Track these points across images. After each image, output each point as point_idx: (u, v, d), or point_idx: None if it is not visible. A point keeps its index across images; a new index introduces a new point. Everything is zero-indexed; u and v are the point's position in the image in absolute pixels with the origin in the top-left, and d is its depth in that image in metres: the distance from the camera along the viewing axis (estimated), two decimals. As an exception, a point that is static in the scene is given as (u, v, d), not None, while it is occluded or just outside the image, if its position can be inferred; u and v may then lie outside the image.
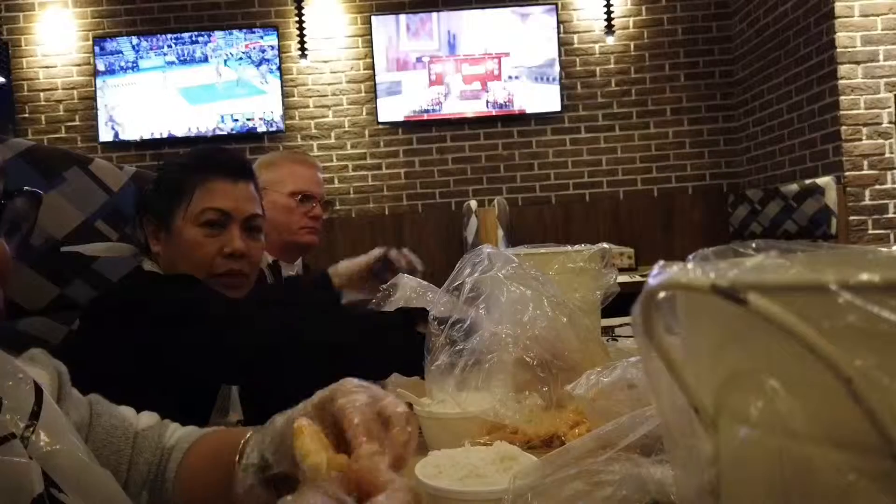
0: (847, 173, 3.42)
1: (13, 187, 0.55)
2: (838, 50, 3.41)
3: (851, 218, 3.41)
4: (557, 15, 4.45)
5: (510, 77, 4.45)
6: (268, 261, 1.85)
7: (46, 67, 4.53)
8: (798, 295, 0.30)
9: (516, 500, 0.61)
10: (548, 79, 4.45)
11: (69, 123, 4.55)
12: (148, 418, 0.83)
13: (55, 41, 4.52)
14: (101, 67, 4.46)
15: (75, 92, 4.55)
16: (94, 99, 4.48)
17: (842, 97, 3.42)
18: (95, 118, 4.48)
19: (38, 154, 1.22)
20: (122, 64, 4.47)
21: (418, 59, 4.46)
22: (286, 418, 0.65)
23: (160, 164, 1.34)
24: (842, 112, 3.42)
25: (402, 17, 4.44)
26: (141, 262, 1.25)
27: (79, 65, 4.54)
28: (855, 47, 3.41)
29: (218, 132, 4.49)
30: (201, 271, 1.20)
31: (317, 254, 2.01)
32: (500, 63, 4.45)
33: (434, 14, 4.44)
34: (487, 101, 4.47)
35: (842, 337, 0.27)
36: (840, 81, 3.42)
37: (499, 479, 0.66)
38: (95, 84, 4.47)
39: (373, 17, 4.46)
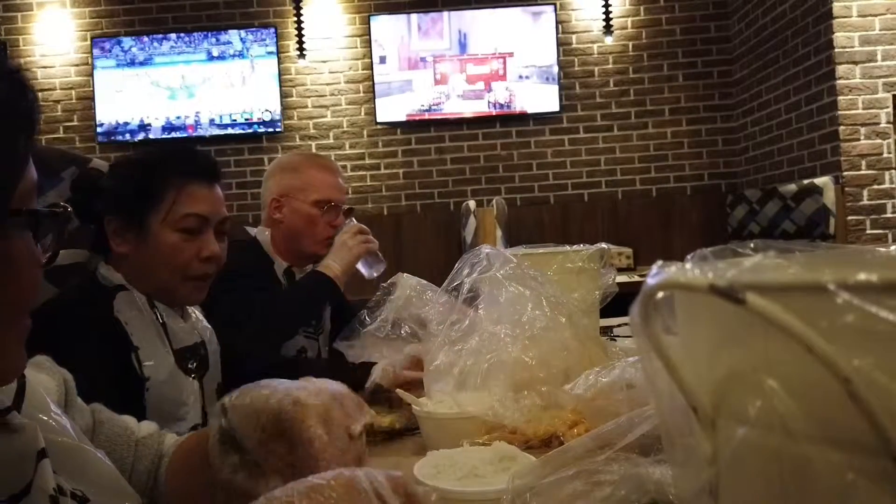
0: (845, 173, 3.42)
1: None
2: (836, 50, 3.42)
3: (849, 218, 3.42)
4: (556, 15, 4.45)
5: (521, 77, 4.44)
6: (283, 267, 1.81)
7: (44, 67, 4.53)
8: (796, 295, 0.30)
9: (515, 500, 0.61)
10: (546, 79, 4.46)
11: (67, 123, 4.54)
12: (148, 427, 0.84)
13: (53, 41, 4.52)
14: (98, 67, 4.46)
15: (73, 92, 4.54)
16: (93, 99, 4.48)
17: (840, 97, 3.42)
18: (93, 118, 4.48)
19: (36, 154, 1.22)
20: (120, 64, 4.47)
21: (422, 59, 4.45)
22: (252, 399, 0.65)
23: (119, 160, 1.30)
24: (840, 112, 3.42)
25: (414, 16, 4.44)
26: (97, 267, 1.20)
27: (77, 65, 4.54)
28: (853, 47, 3.41)
29: (216, 132, 4.49)
30: (176, 274, 1.19)
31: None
32: (505, 63, 4.45)
33: (445, 13, 4.44)
34: (489, 102, 4.47)
35: (840, 336, 0.27)
36: (838, 82, 3.42)
37: (497, 479, 0.66)
38: (94, 84, 4.47)
39: (382, 17, 4.45)
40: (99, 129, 4.46)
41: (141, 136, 4.46)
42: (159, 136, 4.45)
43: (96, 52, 4.45)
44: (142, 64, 4.47)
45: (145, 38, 4.46)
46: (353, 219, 1.88)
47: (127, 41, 4.46)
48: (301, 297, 1.71)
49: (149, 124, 4.48)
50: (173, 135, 4.47)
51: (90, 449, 0.66)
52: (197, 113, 4.49)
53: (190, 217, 1.19)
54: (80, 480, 0.62)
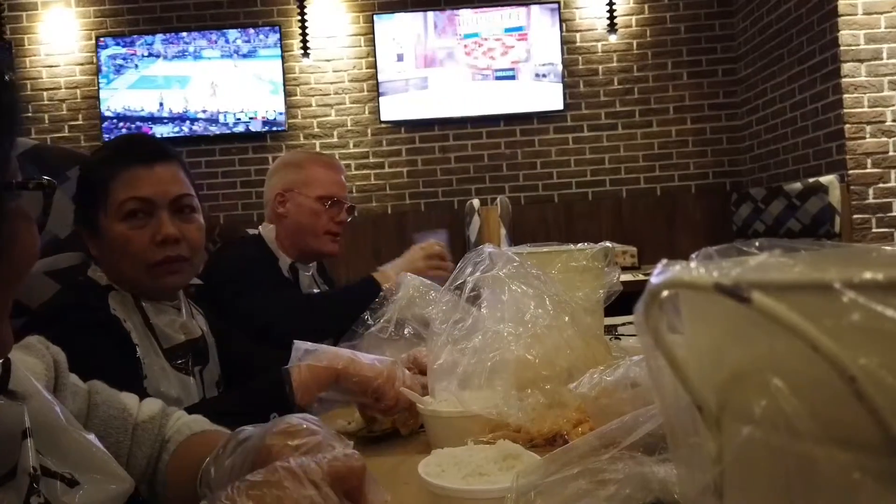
0: (851, 172, 3.41)
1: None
2: (842, 48, 3.40)
3: (855, 216, 3.40)
4: (560, 13, 4.45)
5: (537, 76, 4.43)
6: (287, 263, 1.83)
7: (49, 67, 4.54)
8: (802, 293, 0.29)
9: (519, 499, 0.61)
10: (550, 77, 4.45)
11: (72, 122, 4.56)
12: (150, 407, 0.83)
13: (58, 40, 4.53)
14: (103, 66, 4.47)
15: (78, 91, 4.55)
16: (97, 98, 4.49)
17: (845, 95, 3.41)
18: (98, 117, 4.49)
19: (41, 153, 1.23)
20: (124, 62, 4.48)
21: (434, 57, 4.45)
22: (232, 460, 0.66)
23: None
24: (845, 110, 3.41)
25: (430, 14, 4.44)
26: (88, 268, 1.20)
27: (81, 64, 4.55)
28: (858, 45, 3.40)
29: (220, 131, 4.49)
30: (138, 266, 1.14)
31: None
32: (517, 61, 4.44)
33: (461, 11, 4.44)
34: (496, 100, 4.46)
35: (846, 335, 0.27)
36: (843, 80, 3.41)
37: (502, 478, 0.66)
38: (98, 83, 4.48)
39: (399, 14, 4.45)
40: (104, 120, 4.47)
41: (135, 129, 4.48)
42: (162, 136, 4.46)
43: (100, 50, 4.47)
44: (145, 63, 4.48)
45: (149, 37, 4.48)
46: (444, 233, 1.88)
47: (130, 40, 4.48)
48: (351, 300, 1.65)
49: (153, 124, 4.49)
50: (176, 135, 4.47)
51: (79, 432, 0.66)
52: (200, 112, 4.50)
53: (129, 202, 1.14)
54: (69, 463, 0.62)
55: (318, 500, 0.52)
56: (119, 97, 4.49)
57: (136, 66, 4.49)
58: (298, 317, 1.60)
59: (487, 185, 4.54)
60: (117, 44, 4.48)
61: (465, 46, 4.45)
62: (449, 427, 0.93)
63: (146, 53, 4.48)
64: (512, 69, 4.46)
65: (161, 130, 4.48)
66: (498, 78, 4.47)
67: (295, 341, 1.06)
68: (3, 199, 0.51)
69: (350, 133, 4.56)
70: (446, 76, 4.46)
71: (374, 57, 4.46)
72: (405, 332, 1.27)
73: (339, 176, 1.93)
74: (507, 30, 4.45)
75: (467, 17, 4.45)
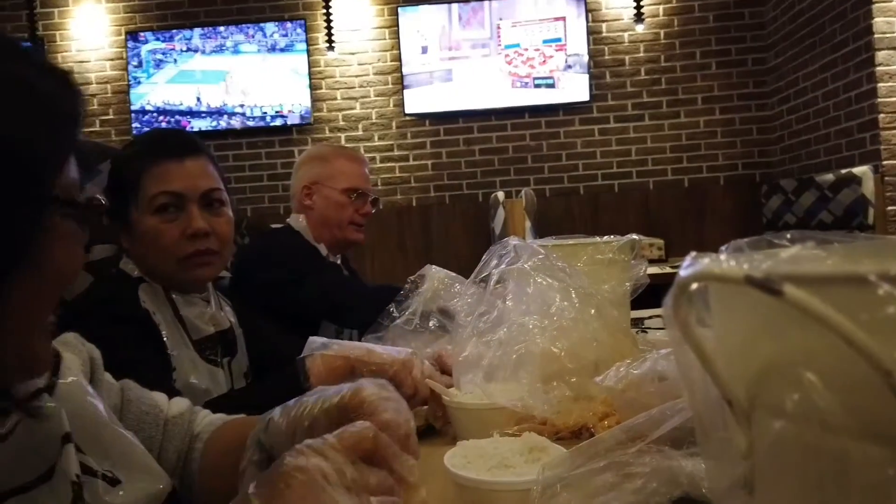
0: (884, 162, 3.33)
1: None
2: (876, 36, 3.32)
3: (889, 208, 3.33)
4: (586, 3, 4.40)
5: (568, 66, 4.40)
6: (325, 251, 1.91)
7: (80, 62, 4.61)
8: (835, 286, 0.29)
9: (545, 492, 0.61)
10: (576, 68, 4.41)
11: (103, 117, 4.63)
12: (179, 405, 0.84)
13: (88, 36, 4.60)
14: (143, 61, 4.54)
15: (109, 86, 4.62)
16: (128, 93, 4.56)
17: (879, 84, 3.33)
18: (129, 112, 4.56)
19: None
20: (164, 57, 4.54)
21: (456, 49, 4.44)
22: (291, 417, 0.66)
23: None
24: (879, 100, 3.33)
25: (455, 6, 4.43)
26: (120, 260, 1.22)
27: (112, 59, 4.62)
28: (893, 33, 3.32)
29: (246, 125, 4.53)
30: (169, 260, 1.16)
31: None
32: (543, 53, 4.41)
33: (486, 3, 4.42)
34: (522, 91, 4.43)
35: (881, 329, 0.27)
36: (878, 68, 3.33)
37: (527, 470, 0.66)
38: (129, 78, 4.55)
39: (424, 7, 4.45)
40: (134, 115, 4.54)
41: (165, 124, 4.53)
42: (190, 130, 4.51)
43: (130, 46, 4.53)
44: (174, 58, 4.53)
45: (177, 33, 4.53)
46: None
47: (159, 35, 4.54)
48: None
49: (180, 119, 4.54)
50: (203, 129, 4.52)
51: (121, 430, 0.67)
52: (227, 106, 4.54)
53: (160, 196, 1.16)
54: (111, 460, 0.63)
55: (325, 465, 0.52)
56: (158, 91, 4.55)
57: (175, 60, 4.55)
58: (372, 300, 1.62)
59: (512, 178, 4.52)
60: (157, 39, 4.54)
61: (507, 56, 4.43)
62: (475, 419, 0.93)
63: (185, 48, 4.54)
64: (551, 77, 4.42)
65: (199, 124, 4.53)
66: (537, 86, 4.43)
67: (310, 337, 1.08)
68: (44, 212, 0.50)
69: (375, 126, 4.58)
70: (471, 68, 4.45)
71: (399, 50, 4.46)
72: (430, 325, 1.27)
73: (364, 168, 1.99)
74: (546, 41, 4.41)
75: (504, 8, 4.41)
